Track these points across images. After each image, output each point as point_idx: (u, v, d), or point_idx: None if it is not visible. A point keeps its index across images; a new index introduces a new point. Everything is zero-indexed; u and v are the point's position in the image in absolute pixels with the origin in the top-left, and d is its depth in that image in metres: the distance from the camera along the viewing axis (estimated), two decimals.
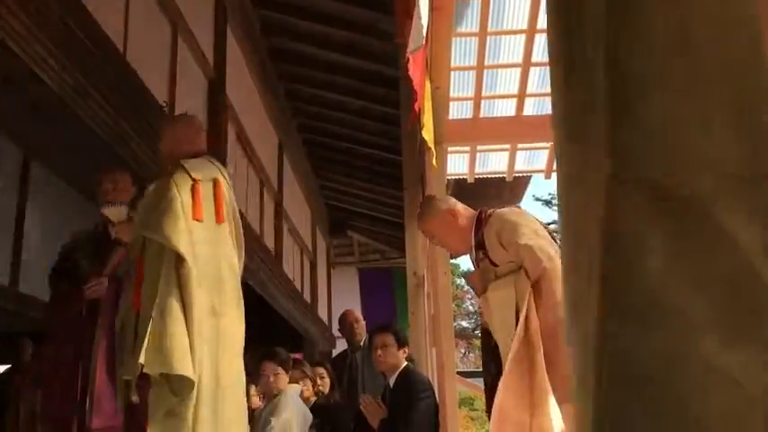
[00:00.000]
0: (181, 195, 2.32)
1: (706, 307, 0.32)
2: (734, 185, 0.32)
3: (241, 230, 2.59)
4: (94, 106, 3.12)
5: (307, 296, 8.66)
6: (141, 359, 2.10)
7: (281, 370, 3.96)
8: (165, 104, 3.89)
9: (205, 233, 2.33)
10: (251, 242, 5.54)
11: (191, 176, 2.38)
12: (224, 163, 5.00)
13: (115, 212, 2.62)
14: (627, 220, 0.35)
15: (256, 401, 4.50)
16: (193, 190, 2.36)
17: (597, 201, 0.37)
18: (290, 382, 4.02)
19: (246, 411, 2.42)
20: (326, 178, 9.20)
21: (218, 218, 2.39)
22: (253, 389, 4.57)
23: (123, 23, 3.50)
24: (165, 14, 4.12)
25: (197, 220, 2.31)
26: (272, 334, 7.03)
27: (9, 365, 6.15)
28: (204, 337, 2.21)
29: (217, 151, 4.88)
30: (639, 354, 0.33)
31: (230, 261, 2.40)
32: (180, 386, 2.14)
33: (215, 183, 2.44)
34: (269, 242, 6.54)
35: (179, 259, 2.21)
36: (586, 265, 0.38)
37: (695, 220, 0.33)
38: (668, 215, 0.33)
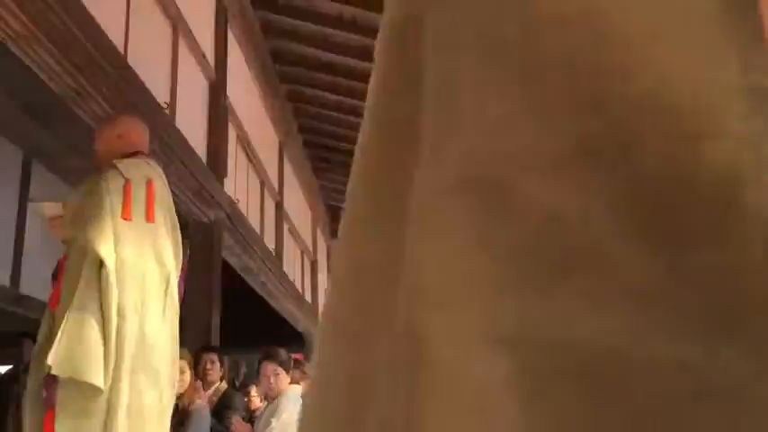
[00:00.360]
0: (110, 195, 2.29)
1: (507, 272, 0.32)
2: (540, 167, 0.34)
3: (178, 230, 2.55)
4: (95, 107, 3.12)
5: (307, 296, 8.66)
6: (50, 360, 2.05)
7: (281, 370, 3.96)
8: (165, 106, 3.90)
9: (133, 233, 2.30)
10: (252, 243, 5.55)
11: (123, 176, 2.36)
12: (224, 164, 5.01)
13: (51, 208, 2.55)
14: (439, 217, 0.36)
15: (257, 402, 4.51)
16: (125, 190, 2.33)
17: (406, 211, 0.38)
18: (290, 383, 4.02)
19: (167, 417, 2.37)
20: (326, 179, 9.21)
21: (149, 217, 2.38)
22: (253, 389, 4.58)
23: (124, 25, 3.50)
24: (165, 16, 4.12)
25: (126, 220, 2.29)
26: (273, 334, 7.04)
27: (10, 366, 6.15)
28: (126, 340, 2.17)
29: (217, 152, 4.89)
30: (437, 342, 0.33)
31: (161, 260, 2.37)
32: (90, 392, 2.11)
33: (148, 183, 2.42)
34: (269, 242, 6.54)
35: (101, 261, 2.18)
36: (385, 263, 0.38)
37: (502, 198, 0.34)
38: (477, 203, 0.35)
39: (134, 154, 2.53)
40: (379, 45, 0.48)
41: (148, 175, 2.44)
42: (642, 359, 0.29)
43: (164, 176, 2.56)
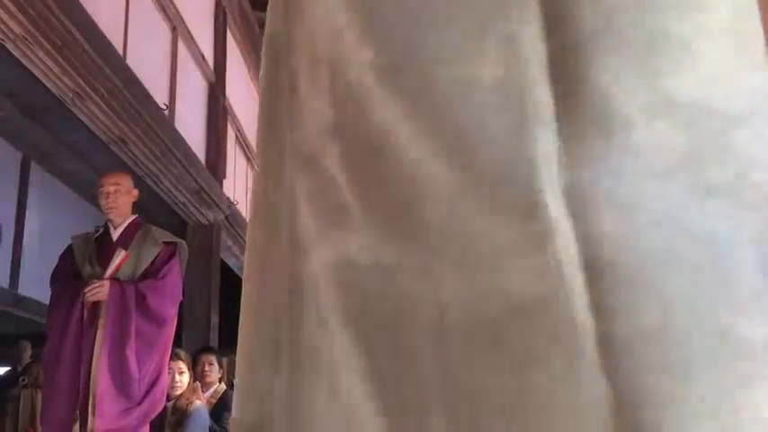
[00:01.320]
0: None
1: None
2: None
3: None
4: (94, 109, 3.12)
5: None
6: None
7: None
8: (165, 107, 3.90)
9: None
10: None
11: None
12: (224, 166, 5.01)
13: None
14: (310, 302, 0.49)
15: None
16: None
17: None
18: None
19: None
20: None
21: None
22: None
23: (123, 26, 3.50)
24: (165, 17, 4.12)
25: None
26: None
27: (9, 367, 6.15)
28: None
29: (217, 153, 4.89)
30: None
31: None
32: None
33: None
34: None
35: None
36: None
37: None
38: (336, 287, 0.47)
39: None
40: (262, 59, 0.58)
41: None
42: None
43: None
